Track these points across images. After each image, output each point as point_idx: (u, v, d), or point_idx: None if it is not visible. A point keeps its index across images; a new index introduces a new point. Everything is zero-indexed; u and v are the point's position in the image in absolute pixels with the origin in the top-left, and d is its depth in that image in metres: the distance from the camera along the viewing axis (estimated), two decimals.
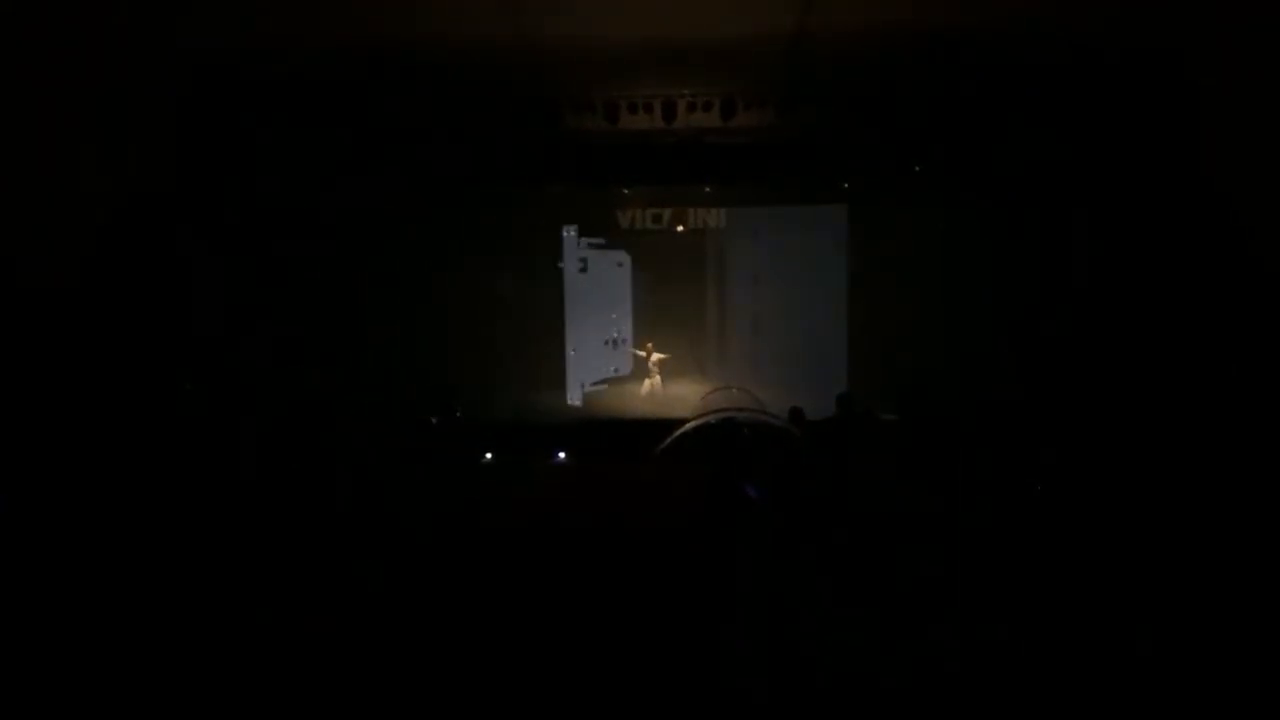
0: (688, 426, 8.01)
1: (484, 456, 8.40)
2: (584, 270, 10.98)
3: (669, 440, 7.77)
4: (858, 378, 9.82)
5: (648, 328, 10.79)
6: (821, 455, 6.94)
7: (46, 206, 6.64)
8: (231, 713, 2.45)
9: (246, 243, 8.55)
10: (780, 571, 3.62)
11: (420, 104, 8.44)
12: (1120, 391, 7.63)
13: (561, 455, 8.69)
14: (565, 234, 10.96)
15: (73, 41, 6.81)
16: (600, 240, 10.90)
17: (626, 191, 10.59)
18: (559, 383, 10.94)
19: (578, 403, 11.03)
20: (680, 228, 10.69)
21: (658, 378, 10.71)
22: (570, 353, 11.11)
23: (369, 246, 9.60)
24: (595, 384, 11.15)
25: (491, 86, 8.57)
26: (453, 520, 4.40)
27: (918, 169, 9.69)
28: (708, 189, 10.51)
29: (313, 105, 8.69)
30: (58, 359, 6.40)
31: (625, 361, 11.13)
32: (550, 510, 4.47)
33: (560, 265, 10.96)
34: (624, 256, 10.91)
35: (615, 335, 11.07)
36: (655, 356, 10.67)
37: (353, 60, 7.75)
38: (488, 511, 4.63)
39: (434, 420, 8.32)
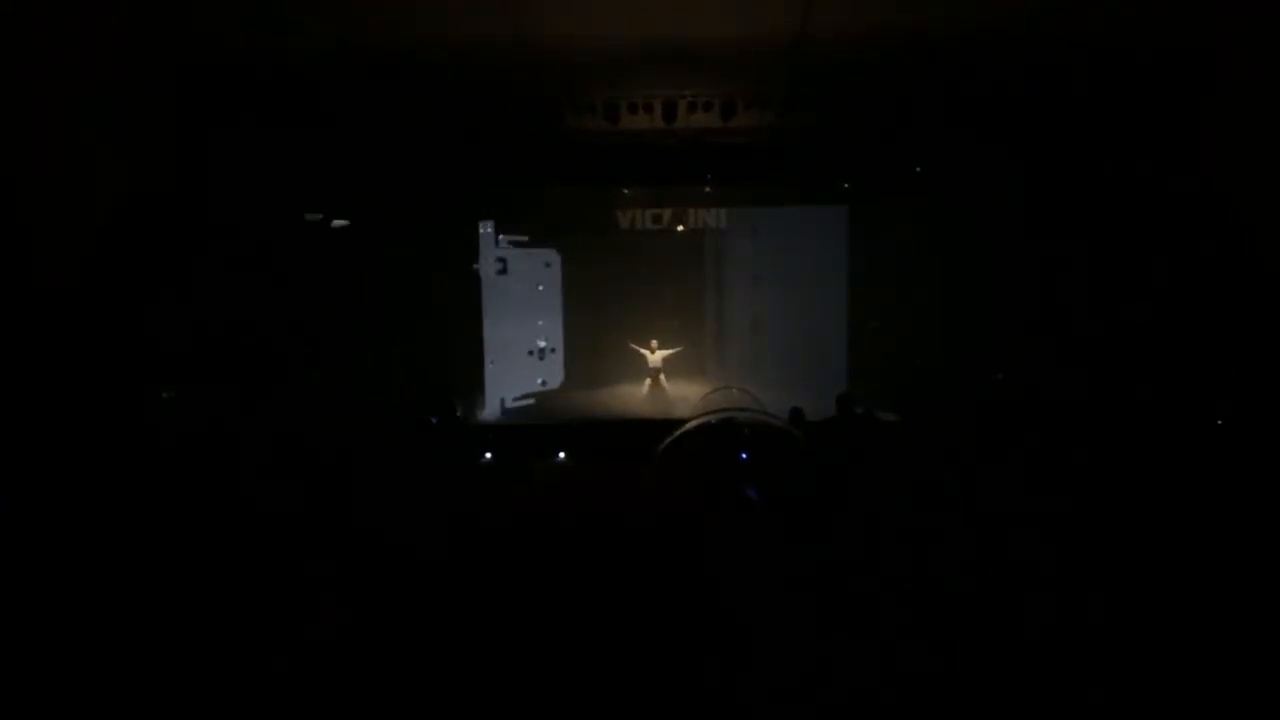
0: (687, 427, 8.00)
1: (484, 457, 8.40)
2: (503, 272, 10.52)
3: (668, 441, 7.76)
4: (858, 378, 9.82)
5: (650, 328, 10.70)
6: (822, 456, 6.93)
7: (46, 206, 6.64)
8: (232, 713, 2.45)
9: (245, 243, 8.55)
10: (779, 574, 3.61)
11: (420, 105, 8.44)
12: (1122, 392, 7.63)
13: (561, 455, 8.69)
14: (482, 229, 10.36)
15: (72, 41, 6.81)
16: (522, 238, 10.40)
17: (626, 192, 10.58)
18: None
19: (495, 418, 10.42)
20: (680, 228, 10.69)
21: (661, 377, 10.60)
22: (489, 364, 10.44)
23: (369, 246, 9.59)
24: (518, 399, 10.43)
25: (491, 87, 8.56)
26: (451, 521, 4.40)
27: (918, 169, 9.69)
28: (708, 189, 10.50)
29: (312, 105, 8.69)
30: (58, 358, 6.40)
31: (554, 373, 10.64)
32: (549, 511, 4.47)
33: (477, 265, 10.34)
34: (552, 255, 10.54)
35: (542, 344, 10.56)
36: (659, 355, 10.56)
37: (352, 60, 7.75)
38: (487, 512, 4.63)
39: (434, 420, 8.32)
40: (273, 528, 4.25)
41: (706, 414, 8.54)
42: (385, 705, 2.48)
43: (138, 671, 2.59)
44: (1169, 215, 7.94)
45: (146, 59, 7.67)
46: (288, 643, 2.83)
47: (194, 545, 3.89)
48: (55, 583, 3.22)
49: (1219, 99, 7.60)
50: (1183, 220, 7.78)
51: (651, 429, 8.69)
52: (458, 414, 8.47)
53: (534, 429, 9.78)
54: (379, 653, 2.74)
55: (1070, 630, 2.96)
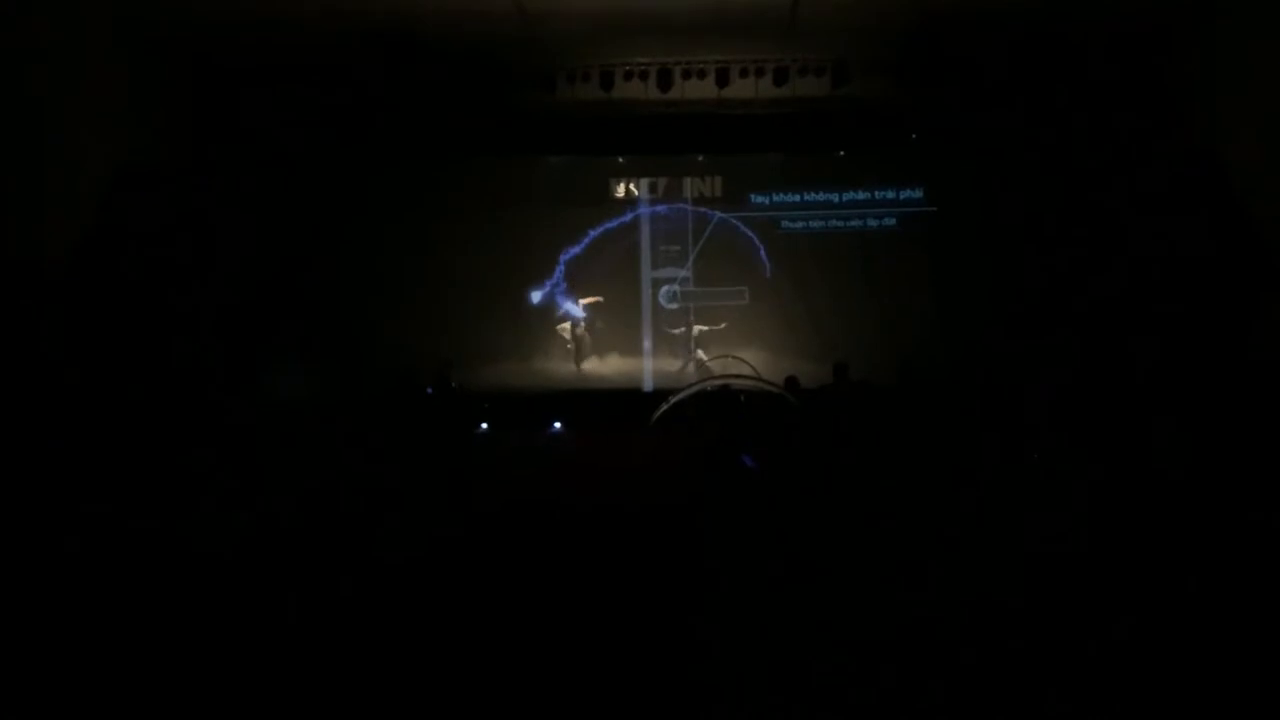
0: (684, 394, 8.04)
1: (480, 427, 8.41)
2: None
3: (665, 408, 7.80)
4: (854, 346, 9.78)
5: None
6: (818, 423, 6.97)
7: (36, 187, 6.57)
8: (234, 695, 2.45)
9: (239, 216, 8.50)
10: (774, 543, 3.64)
11: (415, 74, 8.35)
12: (1119, 364, 7.65)
13: (557, 425, 8.70)
14: None
15: (61, 23, 6.75)
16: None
17: (621, 160, 10.49)
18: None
19: None
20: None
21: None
22: None
23: (362, 217, 9.53)
24: None
25: (486, 54, 8.49)
26: (449, 492, 4.42)
27: (914, 136, 9.65)
28: (702, 158, 10.41)
29: (306, 78, 8.61)
30: (50, 340, 6.36)
31: None
32: (547, 482, 4.49)
33: None
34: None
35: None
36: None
37: (346, 30, 7.67)
38: (483, 484, 4.65)
39: (430, 391, 8.32)
40: (268, 502, 4.26)
41: (703, 381, 8.58)
42: (389, 674, 2.50)
43: (138, 664, 2.59)
44: (1173, 192, 7.91)
45: (137, 33, 7.59)
46: (288, 620, 2.85)
47: (190, 523, 3.90)
48: (47, 578, 3.20)
49: (1231, 81, 7.55)
50: (1188, 199, 7.74)
51: (648, 398, 8.71)
52: (453, 384, 8.46)
53: (531, 397, 9.73)
54: (382, 623, 2.76)
55: (1065, 608, 2.96)
